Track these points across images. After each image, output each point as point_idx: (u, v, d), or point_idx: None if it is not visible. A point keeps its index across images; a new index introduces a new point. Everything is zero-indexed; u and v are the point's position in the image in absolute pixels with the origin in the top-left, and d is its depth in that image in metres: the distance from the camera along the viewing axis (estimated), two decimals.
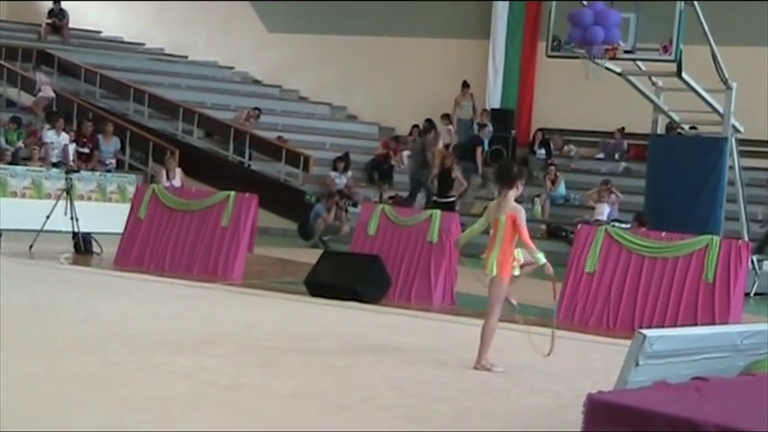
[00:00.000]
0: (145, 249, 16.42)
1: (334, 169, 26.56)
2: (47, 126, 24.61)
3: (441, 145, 25.83)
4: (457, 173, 24.25)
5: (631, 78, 18.74)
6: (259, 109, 29.20)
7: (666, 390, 5.78)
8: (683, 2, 16.93)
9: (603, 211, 24.04)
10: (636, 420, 5.34)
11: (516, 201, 9.65)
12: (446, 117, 28.80)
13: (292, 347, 10.10)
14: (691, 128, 20.76)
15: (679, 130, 20.97)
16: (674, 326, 12.21)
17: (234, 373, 8.57)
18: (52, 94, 27.45)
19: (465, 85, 29.07)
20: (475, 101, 29.29)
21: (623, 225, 19.16)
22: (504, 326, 12.58)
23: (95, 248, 17.73)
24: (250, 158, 27.82)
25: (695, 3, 17.20)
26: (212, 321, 11.50)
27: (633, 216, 19.14)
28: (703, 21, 17.53)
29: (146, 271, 15.78)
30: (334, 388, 8.30)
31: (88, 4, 35.68)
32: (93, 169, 23.96)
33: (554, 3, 17.85)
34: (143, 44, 35.03)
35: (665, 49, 16.87)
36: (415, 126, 29.20)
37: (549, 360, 9.70)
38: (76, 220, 17.76)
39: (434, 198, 23.93)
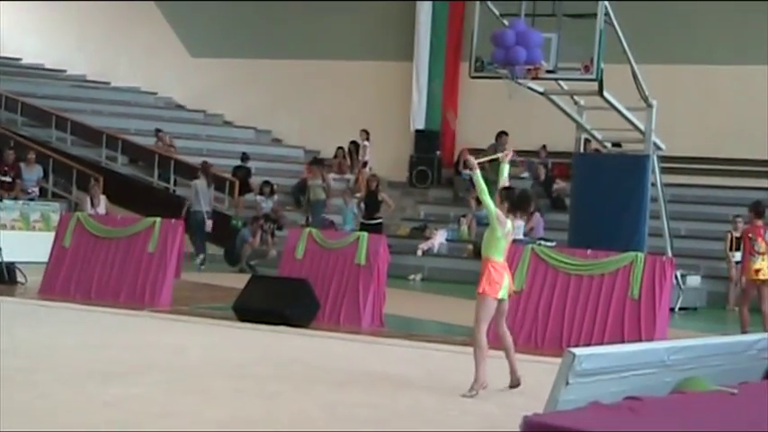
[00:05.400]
0: (71, 278, 16.27)
1: (260, 193, 26.48)
2: None
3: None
4: (383, 195, 24.28)
5: (554, 97, 18.89)
6: (159, 129, 29.03)
7: (601, 410, 5.81)
8: (603, 22, 17.10)
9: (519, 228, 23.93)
10: None
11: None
12: (365, 132, 28.63)
13: (222, 373, 10.05)
14: (614, 145, 20.97)
15: (599, 147, 21.14)
16: (602, 343, 12.32)
17: (164, 401, 8.51)
18: None
19: (316, 161, 27.28)
20: (327, 178, 26.00)
21: (549, 243, 19.29)
22: (437, 347, 12.68)
23: (20, 278, 17.53)
24: (175, 184, 27.66)
25: (615, 23, 17.39)
26: (141, 349, 11.42)
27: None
28: (623, 40, 17.73)
29: (72, 300, 15.62)
30: (265, 413, 8.27)
31: (7, 31, 35.29)
32: (15, 198, 23.71)
33: (476, 24, 17.93)
34: (64, 71, 34.67)
35: (587, 69, 16.99)
36: (340, 148, 29.17)
37: None
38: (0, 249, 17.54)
39: (361, 221, 23.94)
